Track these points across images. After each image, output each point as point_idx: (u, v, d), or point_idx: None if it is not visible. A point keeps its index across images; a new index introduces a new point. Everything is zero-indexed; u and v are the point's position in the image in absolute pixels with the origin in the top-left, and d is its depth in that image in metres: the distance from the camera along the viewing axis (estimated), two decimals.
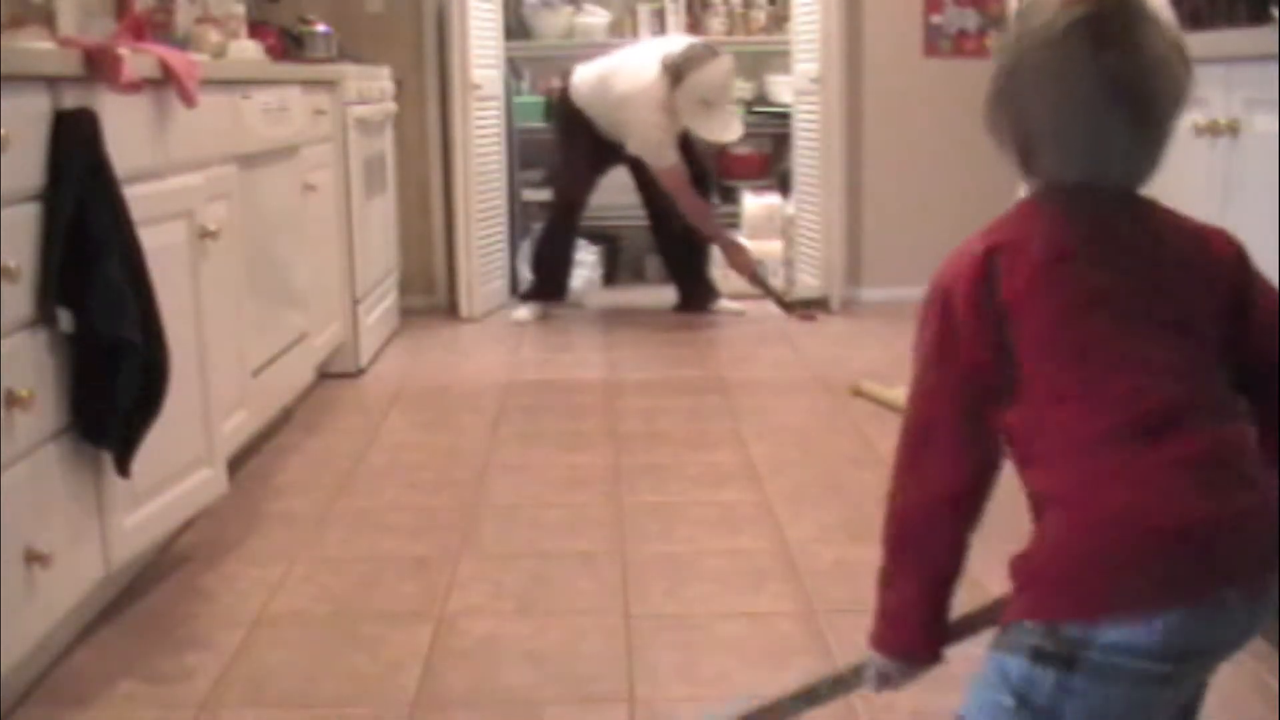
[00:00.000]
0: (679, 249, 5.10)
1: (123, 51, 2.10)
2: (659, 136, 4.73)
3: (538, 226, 5.27)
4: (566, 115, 4.92)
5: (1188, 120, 2.23)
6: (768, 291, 4.97)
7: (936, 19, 5.17)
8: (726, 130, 4.84)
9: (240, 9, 3.92)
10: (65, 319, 1.93)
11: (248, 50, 3.74)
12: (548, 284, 5.05)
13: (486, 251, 5.18)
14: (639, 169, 4.95)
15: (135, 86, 2.13)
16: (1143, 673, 1.04)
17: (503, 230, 5.35)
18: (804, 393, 3.83)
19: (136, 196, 2.11)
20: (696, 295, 5.10)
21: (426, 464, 3.18)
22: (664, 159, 4.76)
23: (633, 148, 4.79)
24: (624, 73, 4.76)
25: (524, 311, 5.02)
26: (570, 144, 4.92)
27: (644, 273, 5.80)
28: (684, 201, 4.81)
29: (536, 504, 2.86)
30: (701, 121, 4.74)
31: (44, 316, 1.90)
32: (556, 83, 5.13)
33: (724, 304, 5.08)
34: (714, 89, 4.70)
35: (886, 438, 3.17)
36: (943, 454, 1.17)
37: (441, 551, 2.56)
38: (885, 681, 1.28)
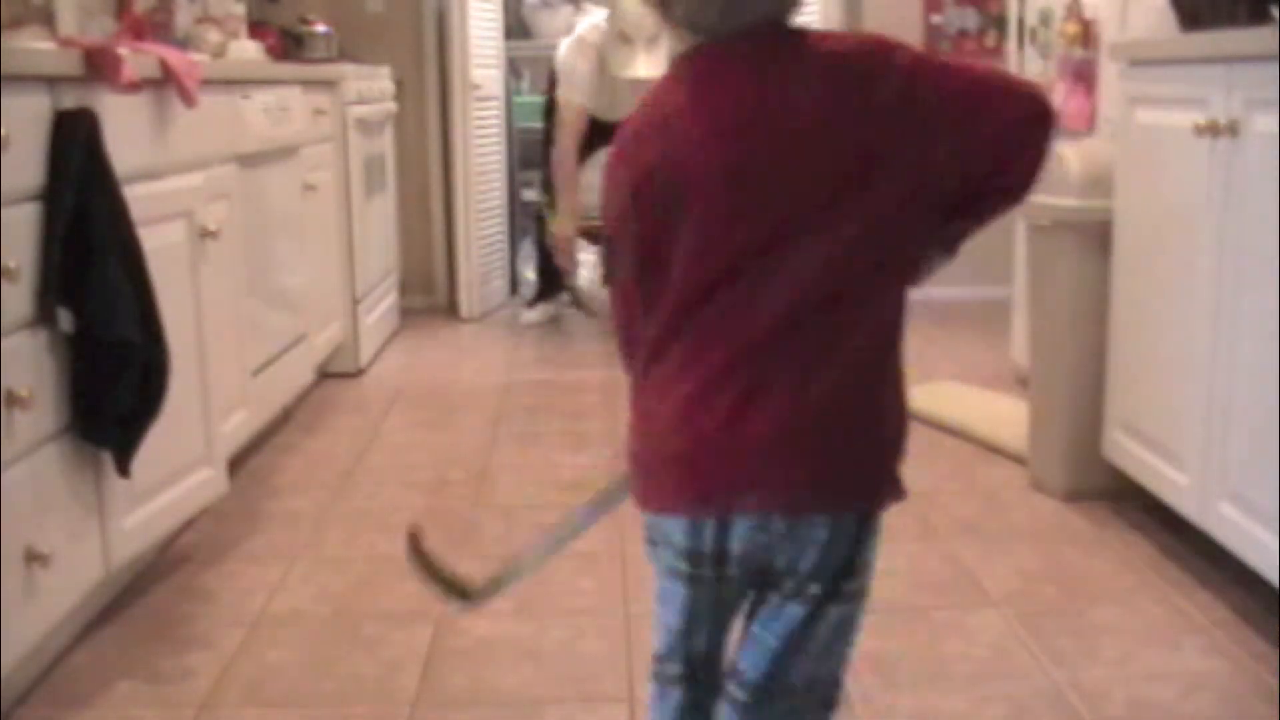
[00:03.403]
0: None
1: (123, 51, 2.10)
2: (571, 64, 4.73)
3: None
4: (552, 106, 4.91)
5: (1188, 120, 2.23)
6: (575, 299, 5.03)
7: (936, 19, 5.17)
8: (639, 68, 4.67)
9: (240, 9, 3.92)
10: (65, 319, 1.93)
11: (248, 50, 3.74)
12: (554, 279, 5.04)
13: (486, 251, 5.19)
14: None
15: (135, 86, 2.13)
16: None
17: (503, 230, 5.35)
18: None
19: (136, 196, 2.11)
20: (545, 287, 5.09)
21: (426, 464, 3.18)
22: (567, 90, 4.77)
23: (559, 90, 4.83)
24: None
25: (535, 313, 5.01)
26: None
27: None
28: (559, 144, 4.82)
29: (536, 504, 2.86)
30: (618, 58, 4.66)
31: (44, 316, 1.89)
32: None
33: (527, 315, 5.04)
34: (630, 23, 4.62)
35: None
36: None
37: (441, 551, 2.56)
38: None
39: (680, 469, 1.16)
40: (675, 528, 1.20)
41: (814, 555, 1.18)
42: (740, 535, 1.17)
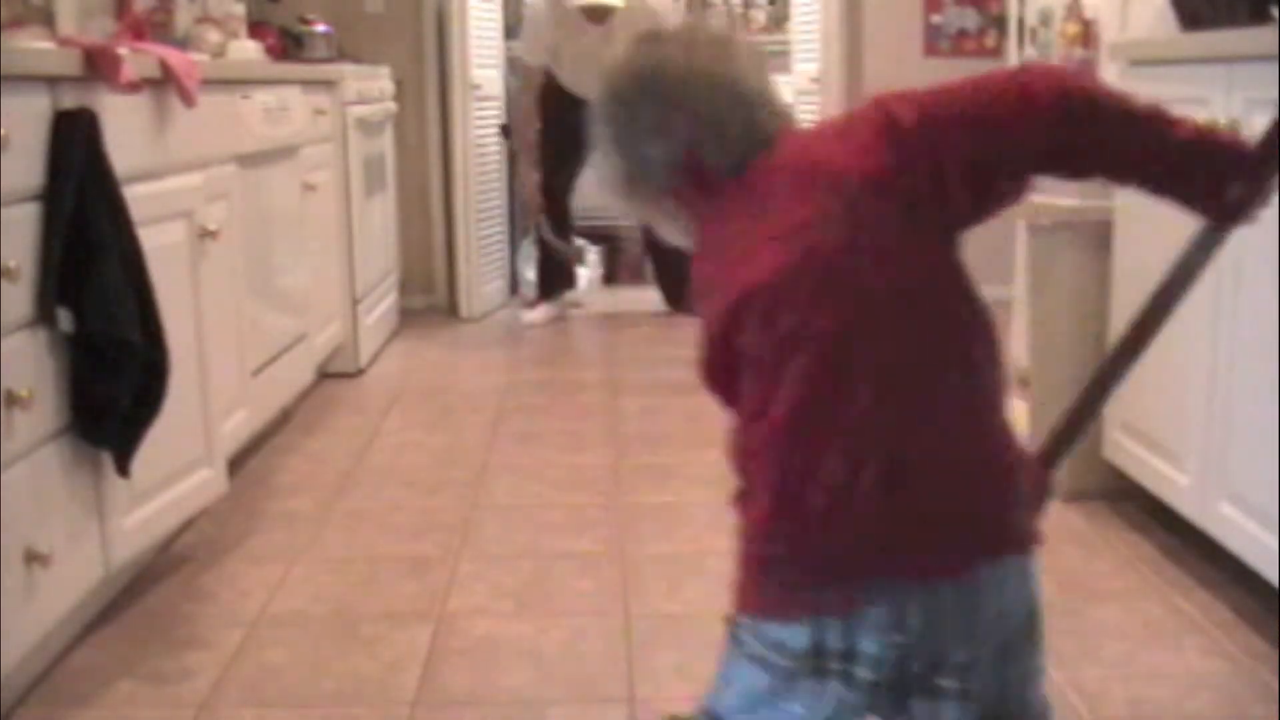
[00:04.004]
0: (663, 249, 5.05)
1: (123, 51, 2.10)
2: (528, 27, 4.81)
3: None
4: (545, 99, 4.91)
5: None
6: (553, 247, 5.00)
7: (936, 19, 5.17)
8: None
9: (240, 9, 3.92)
10: (65, 319, 1.93)
11: (248, 50, 3.74)
12: (554, 278, 5.03)
13: (486, 251, 5.19)
14: None
15: (135, 86, 2.13)
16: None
17: (503, 230, 5.35)
18: None
19: (136, 196, 2.11)
20: (675, 296, 5.05)
21: (426, 464, 3.18)
22: (522, 51, 4.88)
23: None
24: None
25: (536, 313, 5.00)
26: (548, 130, 4.91)
27: (644, 273, 5.80)
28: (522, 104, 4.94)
29: (536, 504, 2.86)
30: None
31: (44, 316, 1.89)
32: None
33: (527, 315, 4.99)
34: None
35: None
36: None
37: (441, 551, 2.56)
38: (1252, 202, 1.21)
39: (789, 567, 1.11)
40: (789, 634, 1.10)
41: (964, 638, 1.11)
42: (871, 633, 1.08)
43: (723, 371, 1.17)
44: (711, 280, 1.18)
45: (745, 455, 1.15)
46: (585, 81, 4.80)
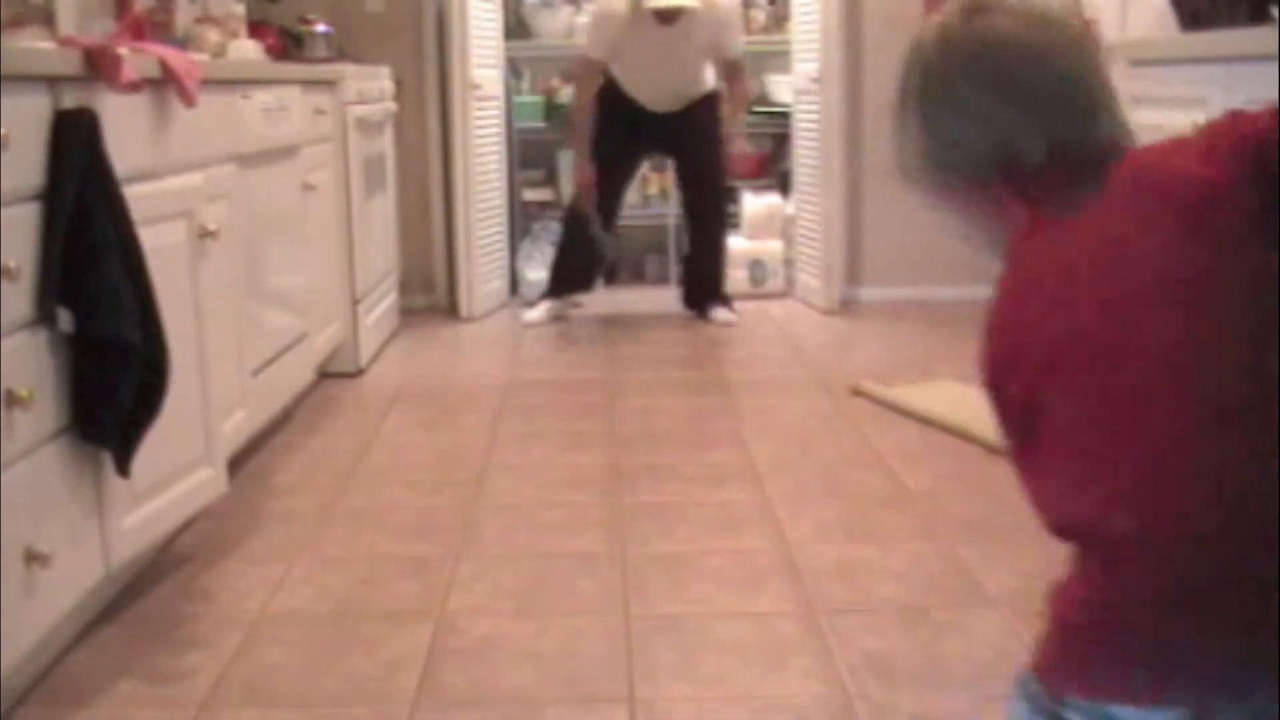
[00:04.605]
0: (697, 246, 5.06)
1: (123, 51, 2.10)
2: (600, 28, 4.70)
3: (537, 226, 5.26)
4: (602, 98, 4.90)
5: (1188, 120, 2.23)
6: None
7: (936, 19, 5.16)
8: None
9: (240, 9, 3.92)
10: (65, 319, 1.93)
11: (248, 50, 3.75)
12: (569, 276, 5.02)
13: (486, 251, 5.18)
14: (680, 158, 4.98)
15: (135, 86, 2.13)
16: None
17: (503, 230, 5.35)
18: (804, 393, 3.83)
19: (136, 196, 2.11)
20: (697, 297, 5.06)
21: (426, 464, 3.18)
22: (587, 47, 4.83)
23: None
24: None
25: (536, 313, 5.00)
26: (603, 127, 4.90)
27: (644, 273, 5.80)
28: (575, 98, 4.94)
29: (536, 504, 2.86)
30: None
31: (44, 316, 1.90)
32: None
33: (719, 314, 4.97)
34: None
35: (886, 437, 3.19)
36: None
37: (441, 551, 2.56)
38: None
39: (1141, 647, 0.98)
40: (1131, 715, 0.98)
41: None
42: None
43: (1016, 409, 1.07)
44: (1017, 313, 1.05)
45: (1069, 508, 1.03)
46: (638, 81, 4.81)
